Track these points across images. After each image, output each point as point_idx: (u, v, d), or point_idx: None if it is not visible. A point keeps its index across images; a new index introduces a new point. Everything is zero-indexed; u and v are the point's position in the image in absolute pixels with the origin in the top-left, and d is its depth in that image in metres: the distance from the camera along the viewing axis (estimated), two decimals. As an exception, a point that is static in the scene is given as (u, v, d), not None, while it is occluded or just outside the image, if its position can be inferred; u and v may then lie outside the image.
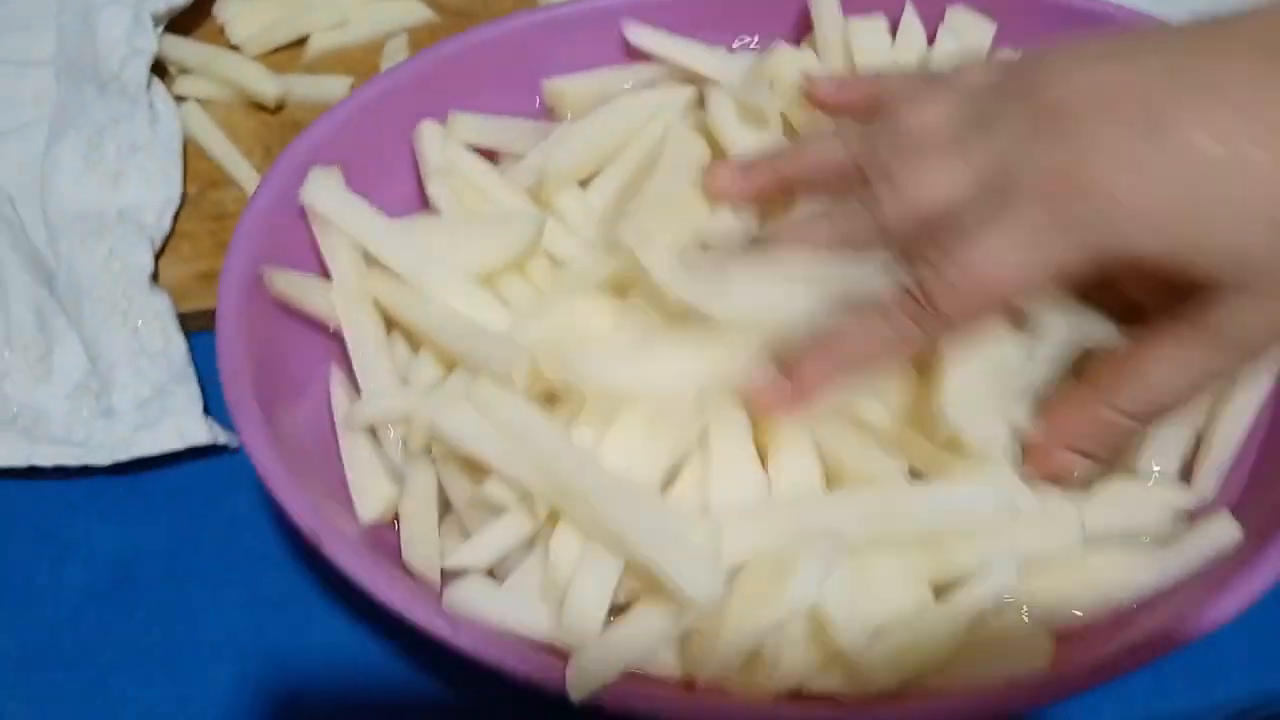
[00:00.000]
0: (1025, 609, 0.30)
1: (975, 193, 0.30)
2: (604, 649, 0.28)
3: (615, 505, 0.28)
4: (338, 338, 0.36)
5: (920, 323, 0.30)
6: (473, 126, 0.39)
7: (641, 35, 0.41)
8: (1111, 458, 0.33)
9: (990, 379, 0.31)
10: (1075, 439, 0.32)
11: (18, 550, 0.41)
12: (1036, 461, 0.32)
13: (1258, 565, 0.29)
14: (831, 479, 0.32)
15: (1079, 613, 0.31)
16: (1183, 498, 0.33)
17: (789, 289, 0.31)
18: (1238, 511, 0.32)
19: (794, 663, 0.29)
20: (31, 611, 0.39)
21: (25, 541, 0.41)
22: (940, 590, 0.30)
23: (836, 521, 0.29)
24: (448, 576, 0.31)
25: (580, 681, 0.27)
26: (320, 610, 0.39)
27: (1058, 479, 0.32)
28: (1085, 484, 0.33)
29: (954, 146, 0.31)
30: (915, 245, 0.31)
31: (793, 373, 0.31)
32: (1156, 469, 0.33)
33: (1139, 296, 0.32)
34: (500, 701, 0.37)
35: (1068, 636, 0.31)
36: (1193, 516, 0.33)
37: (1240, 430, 0.34)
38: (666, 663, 0.29)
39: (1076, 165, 0.29)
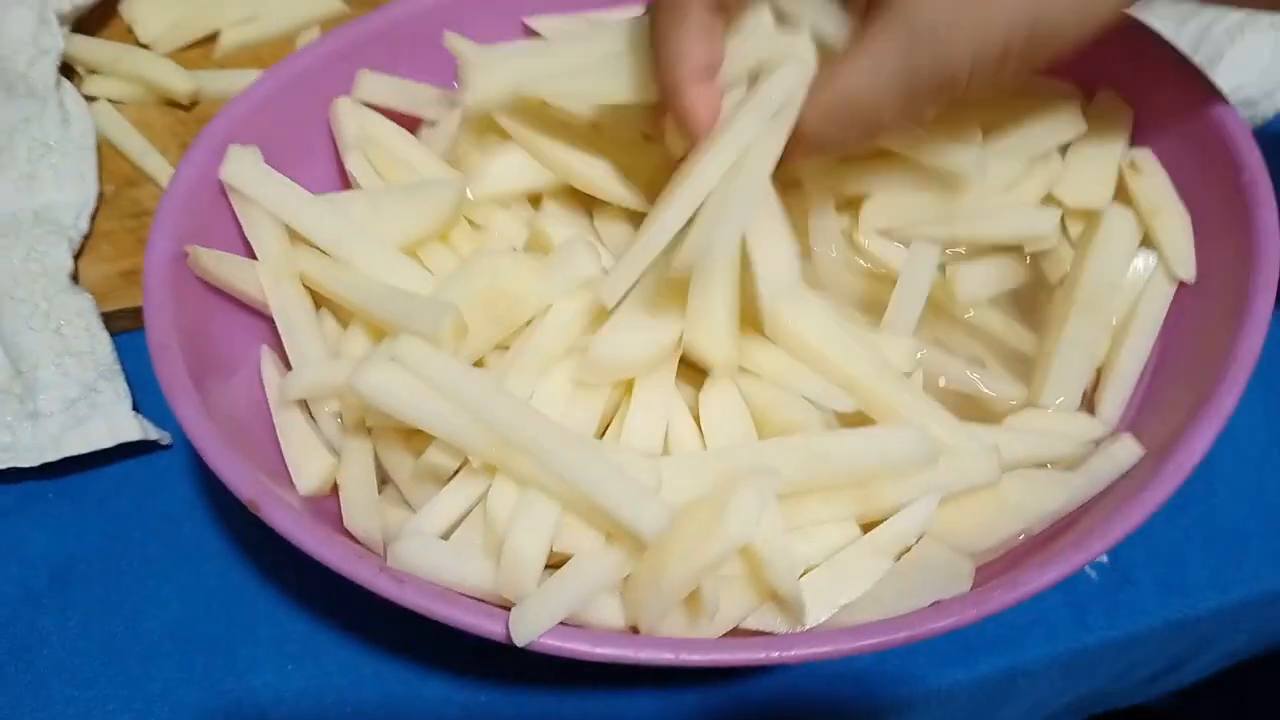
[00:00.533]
0: (946, 540, 0.31)
1: None
2: (546, 595, 0.28)
3: (558, 450, 0.28)
4: (267, 319, 0.35)
5: None
6: (381, 87, 0.39)
7: (539, 22, 0.42)
8: None
9: None
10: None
11: (-54, 558, 0.40)
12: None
13: (1157, 479, 0.30)
14: (759, 426, 0.33)
15: (997, 539, 0.32)
16: (1090, 427, 0.35)
17: None
18: (1136, 433, 0.34)
19: (731, 603, 0.29)
20: (-37, 620, 0.39)
21: (-47, 549, 0.40)
22: (867, 528, 0.31)
23: (769, 464, 0.30)
24: (389, 542, 0.31)
25: (522, 627, 0.27)
26: (263, 601, 0.39)
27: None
28: (998, 417, 0.34)
29: None
30: None
31: None
32: (1059, 400, 0.35)
33: None
34: (445, 671, 0.38)
35: (988, 563, 0.32)
36: (1097, 443, 0.35)
37: (1139, 362, 0.36)
38: (609, 612, 0.29)
39: None
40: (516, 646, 0.28)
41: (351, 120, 0.38)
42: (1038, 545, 0.32)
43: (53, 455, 0.40)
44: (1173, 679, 0.50)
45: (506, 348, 0.33)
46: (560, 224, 0.35)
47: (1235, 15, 0.54)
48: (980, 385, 0.35)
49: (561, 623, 0.28)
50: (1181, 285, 0.37)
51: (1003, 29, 0.29)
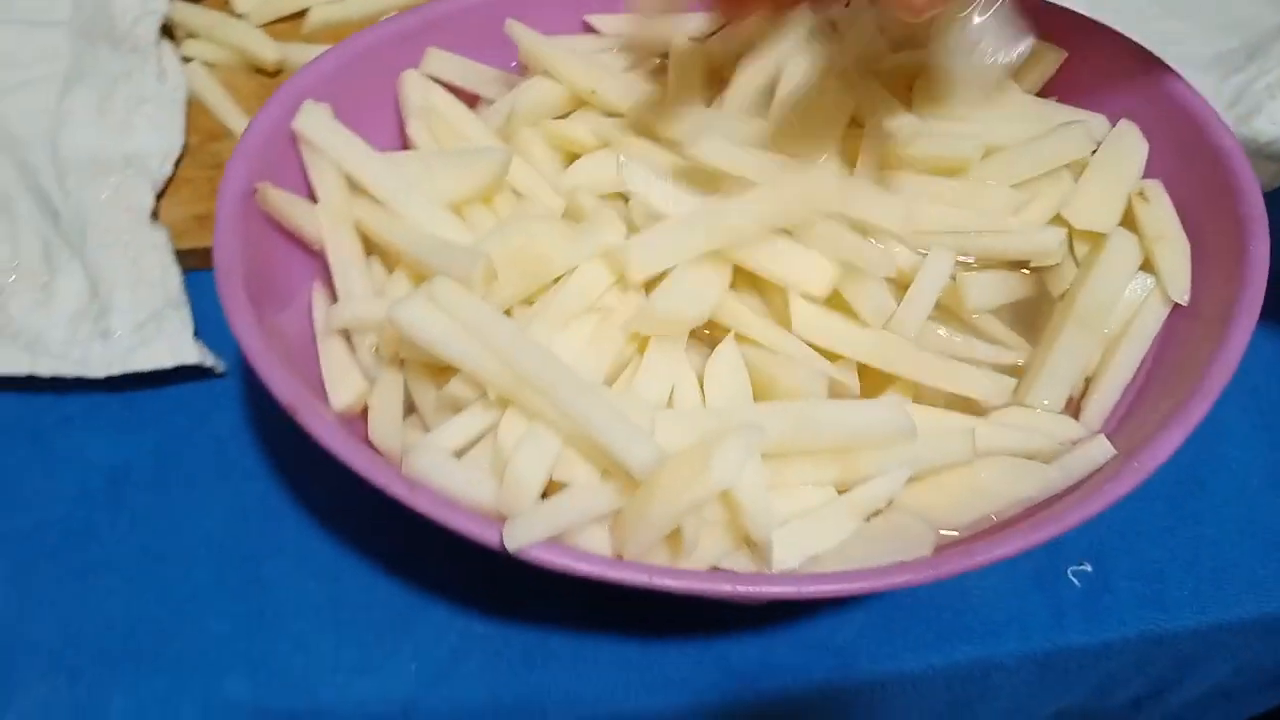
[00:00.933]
0: (918, 513, 0.34)
1: None
2: (539, 511, 0.31)
3: (566, 388, 0.31)
4: (323, 260, 0.39)
5: None
6: (446, 64, 0.42)
7: (600, 20, 0.45)
8: None
9: None
10: None
11: (15, 456, 0.44)
12: None
13: (1120, 475, 0.33)
14: (760, 395, 0.35)
15: (967, 518, 0.34)
16: (1069, 428, 0.37)
17: None
18: (1116, 439, 0.36)
19: (709, 544, 0.32)
20: (25, 512, 0.42)
21: (22, 449, 0.44)
22: (844, 492, 0.34)
23: (757, 422, 0.33)
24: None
25: (514, 535, 0.30)
26: (291, 522, 0.42)
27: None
28: (984, 411, 0.37)
29: None
30: None
31: None
32: (1044, 402, 0.37)
33: None
34: (450, 599, 0.41)
35: (956, 540, 0.34)
36: (1075, 444, 0.37)
37: (1126, 374, 0.38)
38: (597, 541, 0.32)
39: None
40: (513, 572, 0.30)
41: (417, 91, 0.42)
42: (1002, 527, 0.34)
43: (118, 369, 0.44)
44: (1158, 708, 0.51)
45: (533, 304, 0.37)
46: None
47: (1276, 72, 0.56)
48: (972, 382, 0.38)
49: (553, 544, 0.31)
50: (1174, 306, 0.39)
51: None
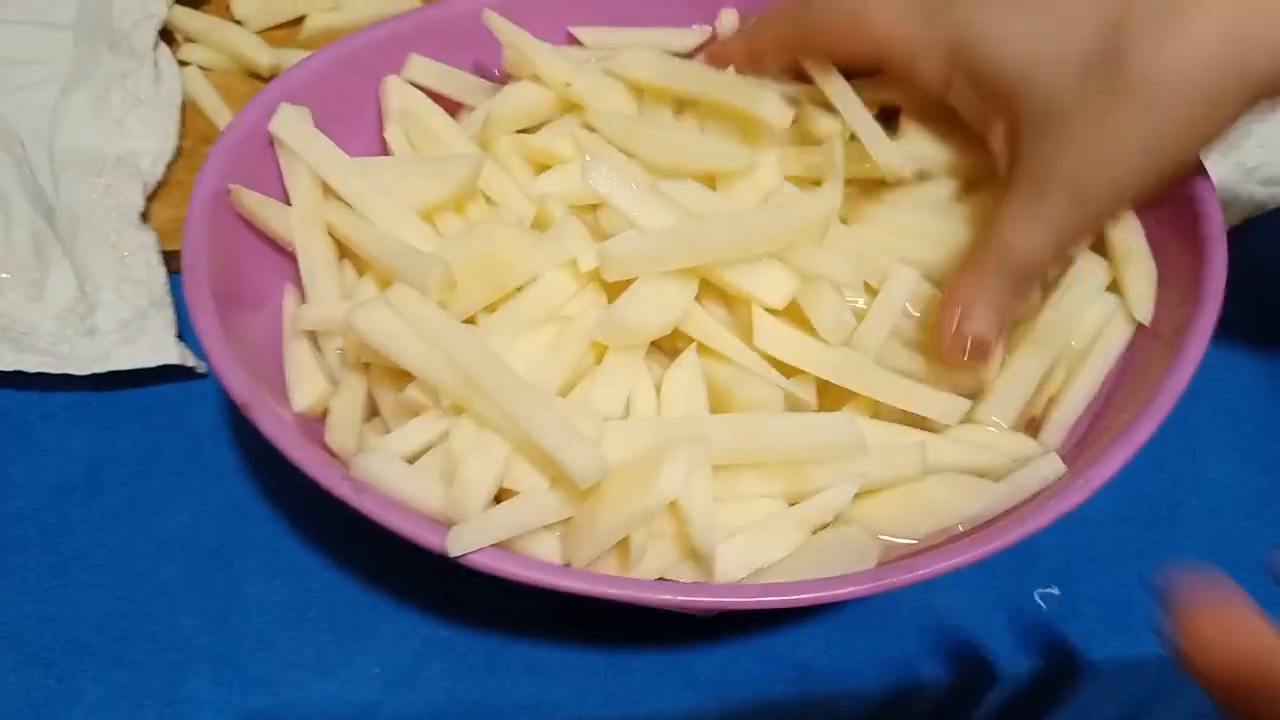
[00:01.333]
0: (866, 527, 0.34)
1: None
2: (485, 518, 0.31)
3: (513, 396, 0.31)
4: (296, 262, 0.40)
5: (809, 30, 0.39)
6: (428, 70, 0.43)
7: (584, 32, 0.46)
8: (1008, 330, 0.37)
9: None
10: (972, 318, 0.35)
11: (-1, 449, 0.45)
12: (950, 351, 0.36)
13: (1065, 491, 0.33)
14: (717, 408, 0.36)
15: (916, 533, 0.34)
16: (1022, 445, 0.37)
17: None
18: (1072, 458, 0.36)
19: (656, 554, 0.32)
20: (4, 502, 0.43)
21: (5, 441, 0.45)
22: (794, 505, 0.34)
23: (705, 434, 0.33)
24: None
25: (459, 541, 0.30)
26: (262, 521, 0.43)
27: (978, 364, 0.36)
28: (940, 428, 0.37)
29: None
30: None
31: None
32: (994, 418, 0.37)
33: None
34: (414, 604, 0.41)
35: (903, 555, 0.34)
36: (1028, 461, 0.37)
37: (1087, 393, 0.38)
38: (545, 549, 0.33)
39: None
40: (476, 578, 0.31)
41: (397, 96, 0.42)
42: (949, 542, 0.34)
43: (101, 367, 0.44)
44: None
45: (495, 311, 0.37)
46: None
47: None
48: (928, 402, 0.37)
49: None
50: (1139, 326, 0.39)
51: (1134, 174, 0.33)
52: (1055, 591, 0.44)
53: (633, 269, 0.35)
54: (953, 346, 0.35)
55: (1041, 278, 0.38)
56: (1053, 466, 0.35)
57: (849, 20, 0.38)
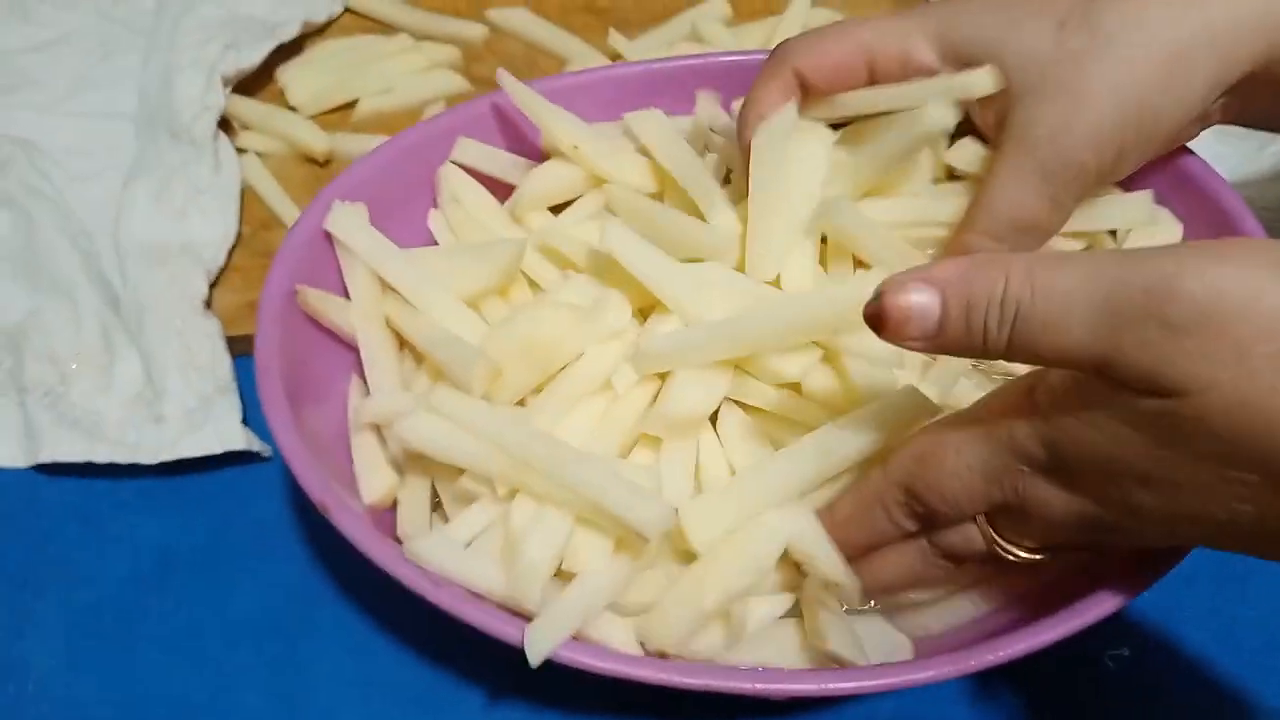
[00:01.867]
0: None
1: None
2: (556, 612, 0.32)
3: (568, 465, 0.32)
4: (358, 352, 0.41)
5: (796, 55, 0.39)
6: (475, 152, 0.44)
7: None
8: None
9: None
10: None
11: (70, 538, 0.46)
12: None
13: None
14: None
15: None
16: None
17: None
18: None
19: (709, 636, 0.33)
20: (78, 593, 0.44)
21: (77, 531, 0.46)
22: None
23: (783, 479, 0.34)
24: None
25: (537, 644, 0.31)
26: (329, 602, 0.44)
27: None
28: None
29: None
30: None
31: None
32: None
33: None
34: (485, 685, 0.41)
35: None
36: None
37: None
38: (619, 634, 0.33)
39: None
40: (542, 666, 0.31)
41: (447, 184, 0.43)
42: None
43: (169, 456, 0.46)
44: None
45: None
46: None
47: (1318, 140, 0.56)
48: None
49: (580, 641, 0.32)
50: None
51: (1113, 124, 0.35)
52: (1125, 653, 0.43)
53: (670, 365, 0.36)
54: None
55: (1041, 235, 0.38)
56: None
57: (833, 29, 0.39)
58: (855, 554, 0.34)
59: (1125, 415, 0.26)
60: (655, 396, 0.36)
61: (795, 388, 0.37)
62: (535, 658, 0.31)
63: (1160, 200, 0.42)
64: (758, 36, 0.61)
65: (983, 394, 0.33)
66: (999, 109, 0.37)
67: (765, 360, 0.35)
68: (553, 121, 0.43)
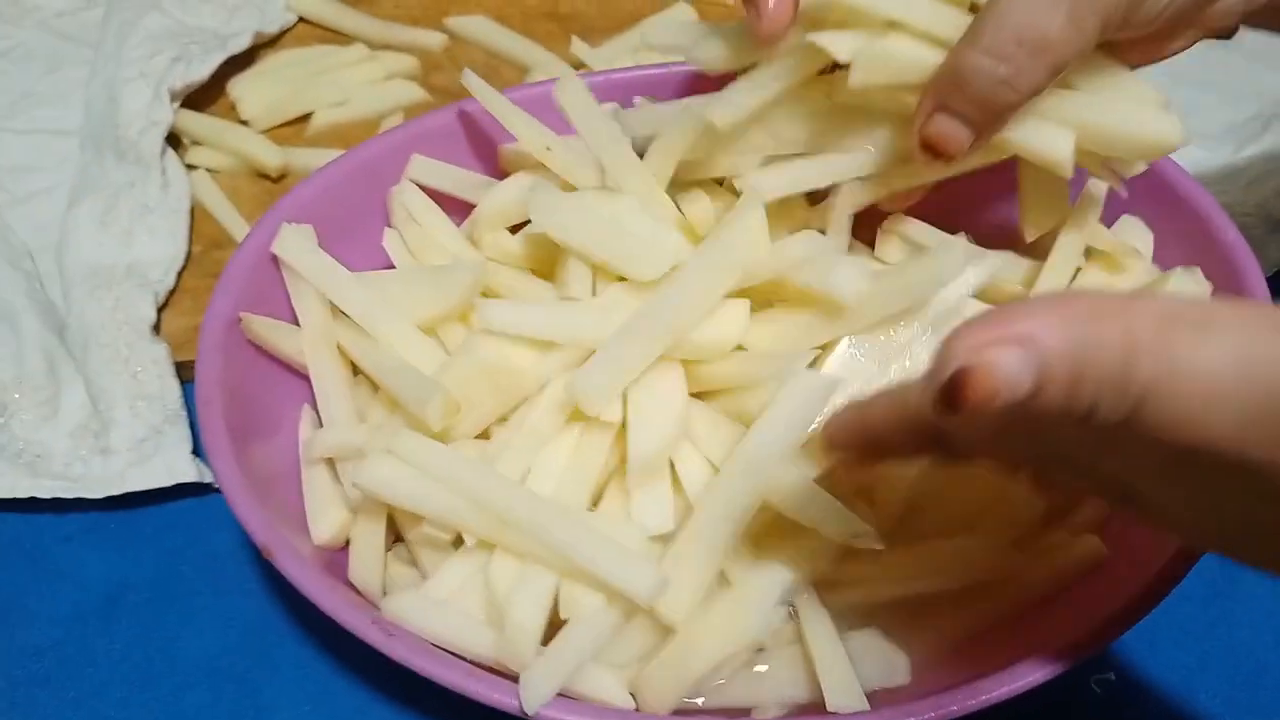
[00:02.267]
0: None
1: None
2: (547, 662, 0.30)
3: (551, 524, 0.30)
4: (309, 381, 0.39)
5: None
6: (430, 170, 0.42)
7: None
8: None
9: None
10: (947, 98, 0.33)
11: (12, 576, 0.44)
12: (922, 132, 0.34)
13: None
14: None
15: None
16: None
17: None
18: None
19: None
20: (21, 634, 0.42)
21: (20, 568, 0.44)
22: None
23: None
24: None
25: (532, 695, 0.29)
26: (289, 642, 0.42)
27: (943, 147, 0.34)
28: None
29: None
30: None
31: None
32: None
33: None
34: (452, 705, 0.39)
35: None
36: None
37: None
38: (608, 687, 0.31)
39: None
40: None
41: (399, 203, 0.42)
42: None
43: (117, 489, 0.44)
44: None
45: (507, 420, 0.36)
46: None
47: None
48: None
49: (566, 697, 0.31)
50: None
51: None
52: (1111, 677, 0.42)
53: (611, 392, 0.33)
54: (920, 147, 0.34)
55: (1053, 60, 0.32)
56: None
57: None
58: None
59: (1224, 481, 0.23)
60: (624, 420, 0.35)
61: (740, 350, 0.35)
62: (532, 707, 0.30)
63: (1136, 208, 0.41)
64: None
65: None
66: None
67: (699, 334, 0.34)
68: (522, 125, 0.41)
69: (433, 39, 0.60)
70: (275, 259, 0.39)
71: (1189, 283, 0.37)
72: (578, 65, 0.58)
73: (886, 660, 0.33)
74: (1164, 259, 0.40)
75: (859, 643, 0.33)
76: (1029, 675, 0.31)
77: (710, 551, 0.31)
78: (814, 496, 0.31)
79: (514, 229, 0.42)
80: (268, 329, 0.37)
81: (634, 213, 0.37)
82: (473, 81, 0.41)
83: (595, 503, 0.34)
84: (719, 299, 0.34)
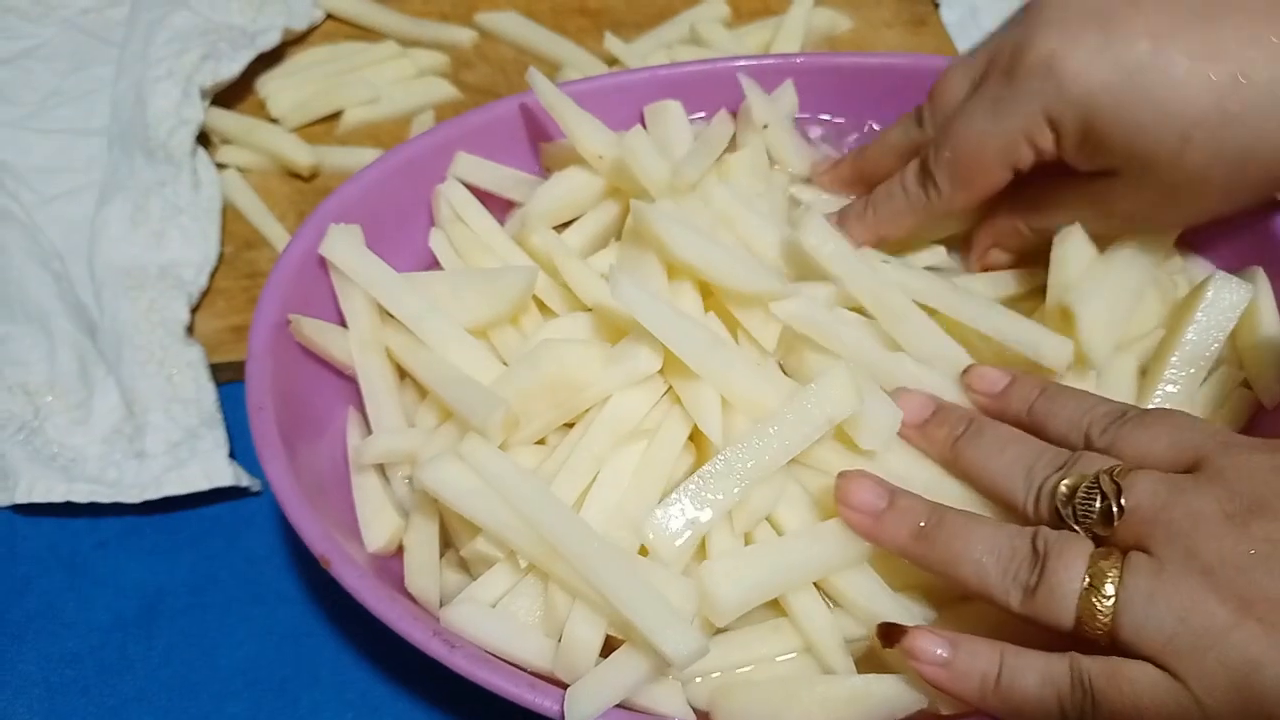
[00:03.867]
0: None
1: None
2: (597, 681, 0.29)
3: (597, 567, 0.29)
4: (356, 383, 0.38)
5: (928, 195, 0.39)
6: (475, 168, 0.42)
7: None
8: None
9: None
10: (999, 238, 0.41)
11: (49, 583, 0.43)
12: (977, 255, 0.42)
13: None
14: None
15: None
16: None
17: None
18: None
19: None
20: (59, 641, 0.41)
21: (57, 575, 0.43)
22: None
23: (809, 562, 0.31)
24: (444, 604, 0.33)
25: (577, 709, 0.29)
26: (329, 648, 0.41)
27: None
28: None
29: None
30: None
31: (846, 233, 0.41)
32: None
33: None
34: (496, 714, 0.39)
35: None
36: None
37: None
38: (671, 700, 0.31)
39: (1030, 45, 0.34)
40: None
41: (447, 203, 0.41)
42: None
43: (154, 494, 0.43)
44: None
45: (571, 424, 0.35)
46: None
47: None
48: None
49: (623, 708, 0.30)
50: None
51: None
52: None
53: (684, 548, 0.32)
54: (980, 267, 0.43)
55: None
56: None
57: (964, 169, 0.39)
58: None
59: None
60: (689, 436, 0.34)
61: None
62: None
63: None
64: (759, 38, 0.58)
65: None
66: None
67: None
68: (579, 125, 0.40)
69: (463, 35, 0.59)
70: (321, 263, 0.38)
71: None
72: (611, 61, 0.57)
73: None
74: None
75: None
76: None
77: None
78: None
79: (559, 228, 0.42)
80: (318, 331, 0.36)
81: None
82: (536, 79, 0.41)
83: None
84: (797, 452, 0.33)
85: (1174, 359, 0.36)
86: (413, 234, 0.42)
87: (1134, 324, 0.38)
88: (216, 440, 0.44)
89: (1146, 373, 0.38)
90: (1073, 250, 0.38)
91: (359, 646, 0.41)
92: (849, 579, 0.32)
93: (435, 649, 0.29)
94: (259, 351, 0.35)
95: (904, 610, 0.32)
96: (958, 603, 0.35)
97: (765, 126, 0.43)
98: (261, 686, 0.40)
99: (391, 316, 0.37)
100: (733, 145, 0.44)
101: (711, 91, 0.45)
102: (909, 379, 0.36)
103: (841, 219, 0.42)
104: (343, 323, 0.38)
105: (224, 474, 0.43)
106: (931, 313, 0.38)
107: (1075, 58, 0.34)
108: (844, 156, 0.45)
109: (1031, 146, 0.36)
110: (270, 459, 0.32)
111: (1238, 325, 0.38)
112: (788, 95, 0.46)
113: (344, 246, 0.37)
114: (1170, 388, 0.36)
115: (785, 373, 0.37)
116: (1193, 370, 0.36)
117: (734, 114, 0.45)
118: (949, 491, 0.34)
